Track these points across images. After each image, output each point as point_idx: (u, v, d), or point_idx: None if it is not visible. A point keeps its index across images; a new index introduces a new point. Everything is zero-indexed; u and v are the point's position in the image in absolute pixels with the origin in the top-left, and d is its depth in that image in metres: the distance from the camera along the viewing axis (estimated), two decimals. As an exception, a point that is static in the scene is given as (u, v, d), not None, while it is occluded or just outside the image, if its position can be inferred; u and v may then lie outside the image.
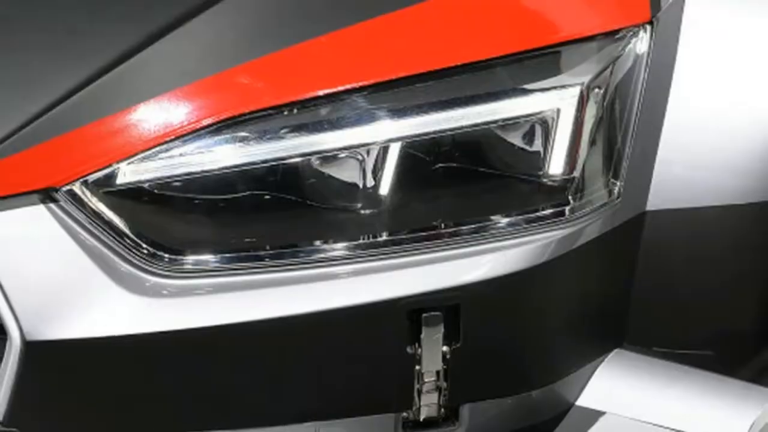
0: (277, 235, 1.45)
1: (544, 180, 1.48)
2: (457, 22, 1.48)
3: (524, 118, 1.46)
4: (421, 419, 1.50)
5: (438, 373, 1.47)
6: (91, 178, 1.40)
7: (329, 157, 1.43)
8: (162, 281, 1.42)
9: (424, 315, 1.44)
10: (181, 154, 1.41)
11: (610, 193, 1.53)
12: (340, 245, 1.45)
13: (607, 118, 1.51)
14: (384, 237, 1.46)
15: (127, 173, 1.40)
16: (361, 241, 1.45)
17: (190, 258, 1.43)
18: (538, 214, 1.48)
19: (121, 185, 1.40)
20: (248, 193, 1.43)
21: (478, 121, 1.45)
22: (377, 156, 1.44)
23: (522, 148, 1.48)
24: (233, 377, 1.45)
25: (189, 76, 1.43)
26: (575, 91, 1.47)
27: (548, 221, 1.48)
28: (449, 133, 1.45)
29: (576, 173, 1.49)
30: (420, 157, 1.45)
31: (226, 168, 1.41)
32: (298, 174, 1.44)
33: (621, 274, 1.58)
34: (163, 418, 1.46)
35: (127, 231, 1.42)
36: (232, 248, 1.44)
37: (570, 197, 1.49)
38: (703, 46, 1.58)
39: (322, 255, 1.45)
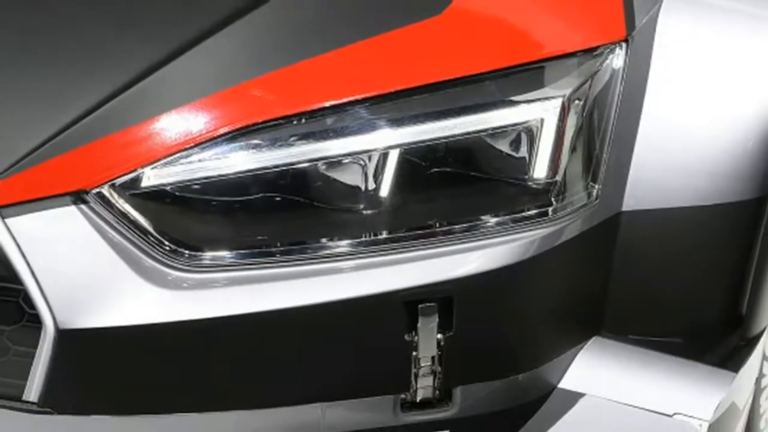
0: (286, 234, 1.45)
1: (529, 183, 1.49)
2: (450, 39, 1.49)
3: (511, 127, 1.47)
4: (418, 400, 1.50)
5: (433, 358, 1.47)
6: (118, 181, 1.40)
7: (334, 162, 1.44)
8: (182, 275, 1.43)
9: (420, 306, 1.44)
10: (199, 160, 1.41)
11: (589, 195, 1.54)
12: (343, 242, 1.46)
13: (587, 126, 1.52)
14: (384, 235, 1.46)
15: (151, 177, 1.41)
16: (363, 239, 1.46)
17: (208, 254, 1.44)
18: (523, 214, 1.49)
19: (145, 188, 1.41)
20: (260, 195, 1.44)
21: (470, 129, 1.46)
22: (378, 161, 1.45)
23: (509, 155, 1.48)
24: (247, 362, 1.45)
25: (207, 89, 1.43)
26: (557, 103, 1.48)
27: (533, 221, 1.49)
28: (443, 140, 1.45)
29: (558, 177, 1.50)
30: (417, 162, 1.46)
31: (240, 172, 1.42)
32: (306, 178, 1.44)
33: (599, 269, 1.59)
34: (183, 398, 1.46)
35: (150, 229, 1.42)
36: (246, 245, 1.44)
37: (553, 199, 1.50)
38: (673, 61, 1.58)
39: (327, 251, 1.45)
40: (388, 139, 1.45)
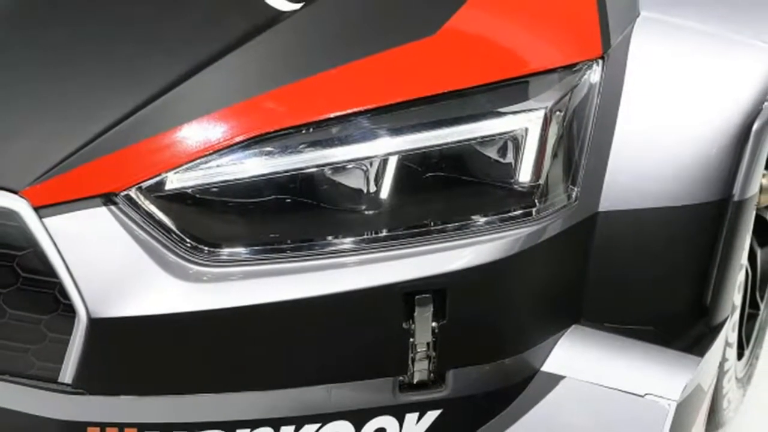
0: (296, 232, 1.46)
1: (515, 186, 1.50)
2: (443, 57, 1.50)
3: (499, 136, 1.48)
4: (414, 382, 1.51)
5: (428, 344, 1.48)
6: (144, 185, 1.42)
7: (339, 167, 1.45)
8: (202, 269, 1.44)
9: (417, 297, 1.45)
10: (218, 165, 1.43)
11: (569, 197, 1.55)
12: (347, 240, 1.46)
13: (567, 135, 1.53)
14: (384, 233, 1.47)
15: (174, 181, 1.43)
16: (365, 237, 1.47)
17: (225, 250, 1.45)
18: (510, 214, 1.50)
19: (168, 191, 1.43)
20: (273, 197, 1.45)
21: (461, 138, 1.47)
22: (378, 167, 1.46)
23: (497, 161, 1.49)
24: (261, 348, 1.46)
25: (224, 102, 1.44)
26: (540, 114, 1.49)
27: (518, 220, 1.50)
28: (437, 148, 1.47)
29: (541, 181, 1.51)
30: (414, 167, 1.47)
31: (254, 177, 1.43)
32: (314, 181, 1.45)
33: (578, 263, 1.60)
34: (203, 380, 1.47)
35: (173, 228, 1.44)
36: (260, 242, 1.45)
37: (536, 200, 1.51)
38: (645, 76, 1.60)
39: (333, 248, 1.46)
40: (388, 146, 1.46)
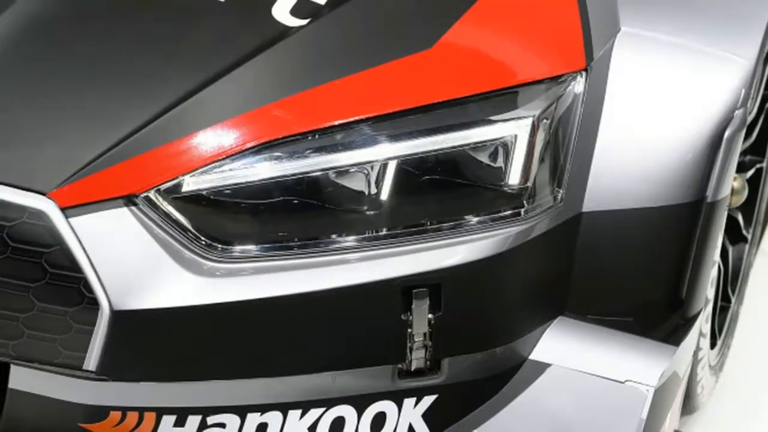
0: (303, 230, 1.47)
1: (505, 189, 1.51)
2: (439, 69, 1.51)
3: (490, 142, 1.49)
4: (412, 369, 1.52)
5: (425, 334, 1.49)
6: (163, 187, 1.43)
7: (342, 171, 1.46)
8: (216, 265, 1.45)
9: (414, 291, 1.46)
10: (230, 169, 1.44)
11: (555, 198, 1.56)
12: (350, 238, 1.47)
13: (553, 141, 1.54)
14: (384, 232, 1.48)
15: (190, 183, 1.44)
16: (366, 235, 1.48)
17: (237, 247, 1.46)
18: (500, 214, 1.51)
19: (185, 193, 1.44)
20: (281, 198, 1.46)
21: (455, 144, 1.48)
22: (379, 170, 1.47)
23: (488, 165, 1.50)
24: (269, 338, 1.47)
25: (236, 110, 1.46)
26: (528, 122, 1.50)
27: (508, 220, 1.51)
28: (434, 153, 1.48)
29: (529, 183, 1.52)
30: (411, 171, 1.48)
31: (264, 179, 1.45)
32: (319, 184, 1.46)
33: (563, 260, 1.61)
34: (217, 367, 1.47)
35: (189, 227, 1.45)
36: (269, 240, 1.46)
37: (524, 202, 1.52)
38: (625, 87, 1.61)
39: (336, 245, 1.47)
40: (388, 151, 1.47)
